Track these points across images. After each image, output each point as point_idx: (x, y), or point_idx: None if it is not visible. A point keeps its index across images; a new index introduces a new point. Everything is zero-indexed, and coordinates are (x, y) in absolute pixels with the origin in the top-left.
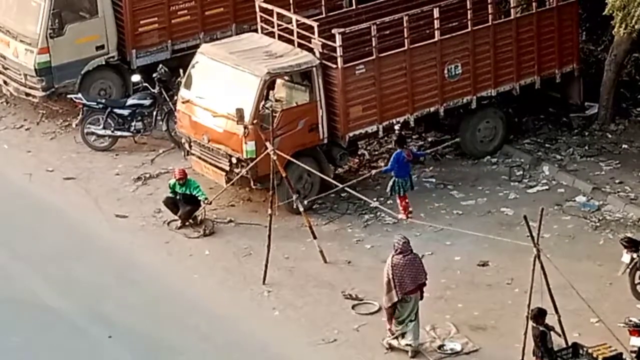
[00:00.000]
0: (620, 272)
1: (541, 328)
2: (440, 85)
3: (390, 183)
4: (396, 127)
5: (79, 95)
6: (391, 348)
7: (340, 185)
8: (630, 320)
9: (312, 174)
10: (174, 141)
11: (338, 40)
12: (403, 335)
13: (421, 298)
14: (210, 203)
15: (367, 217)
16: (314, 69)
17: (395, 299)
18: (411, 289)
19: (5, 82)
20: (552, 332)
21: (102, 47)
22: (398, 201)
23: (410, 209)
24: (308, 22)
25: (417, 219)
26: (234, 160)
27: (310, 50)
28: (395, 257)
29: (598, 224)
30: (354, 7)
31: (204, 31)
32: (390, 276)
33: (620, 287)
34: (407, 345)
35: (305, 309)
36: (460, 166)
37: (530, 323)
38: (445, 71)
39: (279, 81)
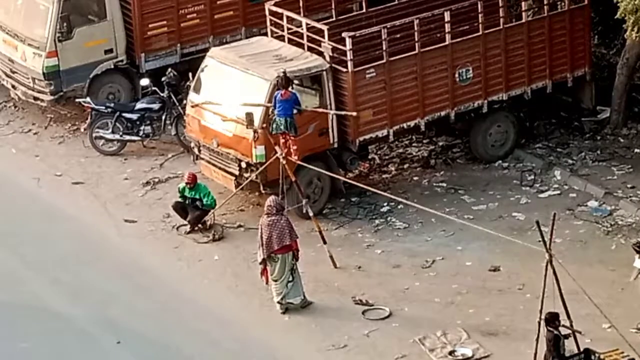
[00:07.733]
0: (632, 278)
1: (555, 332)
2: (451, 89)
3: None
4: (280, 72)
5: (88, 99)
6: (280, 304)
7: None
8: None
9: (322, 179)
10: (183, 145)
11: (348, 44)
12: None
13: (296, 259)
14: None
15: (377, 222)
16: (324, 72)
17: (262, 257)
18: (276, 249)
19: (13, 86)
20: (565, 337)
21: (111, 50)
22: (281, 140)
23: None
24: (318, 25)
25: (428, 224)
26: (243, 165)
27: (320, 54)
28: (263, 218)
29: (610, 229)
30: (364, 10)
31: (213, 35)
32: (260, 235)
33: (633, 292)
34: (288, 303)
35: (315, 315)
36: (471, 171)
37: (544, 327)
38: (456, 75)
39: None
